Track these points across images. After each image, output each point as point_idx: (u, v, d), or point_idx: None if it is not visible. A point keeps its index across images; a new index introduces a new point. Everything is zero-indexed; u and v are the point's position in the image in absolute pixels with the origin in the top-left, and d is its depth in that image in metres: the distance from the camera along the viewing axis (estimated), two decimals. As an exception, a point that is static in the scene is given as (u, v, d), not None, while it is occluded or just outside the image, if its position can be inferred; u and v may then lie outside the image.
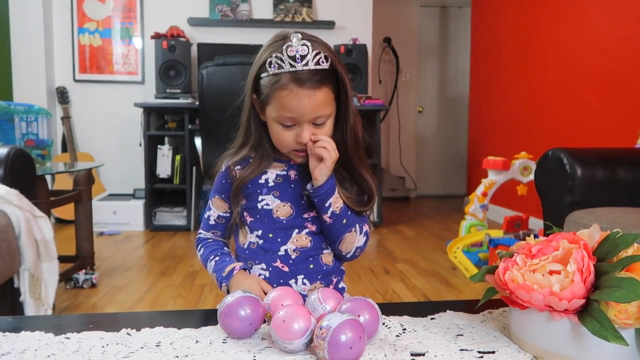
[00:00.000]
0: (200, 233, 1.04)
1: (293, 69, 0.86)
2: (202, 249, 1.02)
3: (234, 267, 0.94)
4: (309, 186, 0.93)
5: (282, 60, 0.87)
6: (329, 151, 0.90)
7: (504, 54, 4.34)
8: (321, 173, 0.91)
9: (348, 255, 0.98)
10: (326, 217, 0.94)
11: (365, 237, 0.99)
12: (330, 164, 0.90)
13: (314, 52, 0.87)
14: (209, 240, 1.03)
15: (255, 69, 0.92)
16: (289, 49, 0.86)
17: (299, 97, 0.87)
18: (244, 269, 0.96)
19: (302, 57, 0.86)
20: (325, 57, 0.88)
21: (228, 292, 0.92)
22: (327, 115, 0.91)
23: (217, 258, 0.98)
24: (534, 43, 3.86)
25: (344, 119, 0.94)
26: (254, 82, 0.93)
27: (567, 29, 3.46)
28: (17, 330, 0.76)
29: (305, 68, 0.86)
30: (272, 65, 0.88)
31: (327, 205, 0.93)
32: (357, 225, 0.97)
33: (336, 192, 0.94)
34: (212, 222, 1.02)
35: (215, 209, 1.01)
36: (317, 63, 0.87)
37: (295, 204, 0.96)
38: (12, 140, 2.40)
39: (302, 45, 0.86)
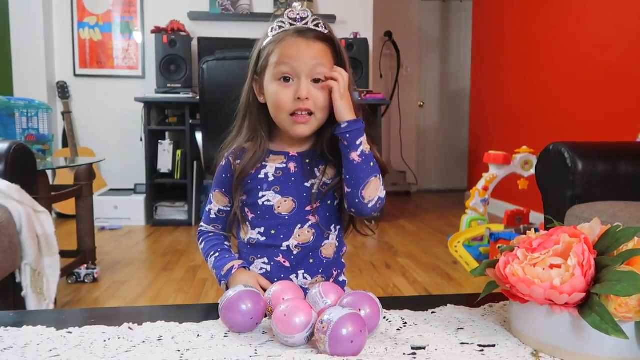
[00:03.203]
0: (201, 226, 1.04)
1: (293, 26, 0.91)
2: (203, 243, 1.02)
3: (233, 265, 0.94)
4: (343, 124, 0.88)
5: (283, 22, 0.93)
6: (337, 81, 0.89)
7: (505, 48, 4.33)
8: (340, 105, 0.88)
9: (370, 205, 0.91)
10: (355, 156, 0.88)
11: (385, 192, 0.94)
12: (342, 89, 0.88)
13: (313, 17, 0.92)
14: (210, 235, 1.02)
15: (259, 44, 0.95)
16: (290, 13, 0.92)
17: (298, 44, 0.90)
18: (244, 267, 0.95)
19: (302, 19, 0.92)
20: (324, 27, 0.93)
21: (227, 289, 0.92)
22: (326, 71, 0.91)
23: (216, 254, 0.98)
24: (535, 37, 3.84)
25: None
26: (256, 60, 0.95)
27: (568, 22, 3.45)
28: (19, 325, 0.76)
29: (305, 27, 0.91)
30: (273, 30, 0.93)
31: (358, 142, 0.89)
32: (380, 175, 0.93)
33: (364, 134, 0.90)
34: (212, 215, 1.02)
35: (216, 203, 1.01)
36: (316, 26, 0.92)
37: (297, 198, 0.95)
38: (13, 135, 2.40)
39: (303, 10, 0.92)
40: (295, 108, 0.90)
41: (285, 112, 0.91)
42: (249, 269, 0.96)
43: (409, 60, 5.69)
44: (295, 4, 0.92)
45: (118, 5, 4.19)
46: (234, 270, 0.93)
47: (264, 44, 0.94)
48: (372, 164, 0.91)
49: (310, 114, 0.91)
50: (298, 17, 0.91)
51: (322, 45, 0.91)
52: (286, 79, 0.90)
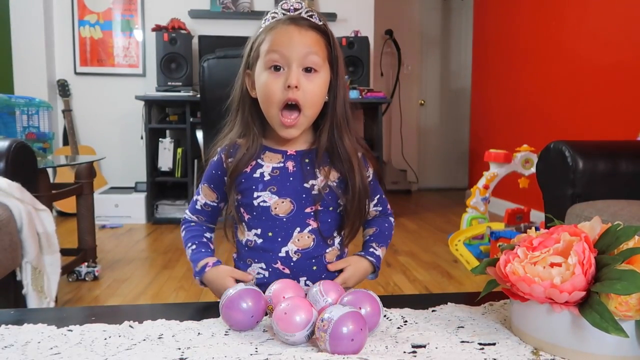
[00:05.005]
0: (185, 214, 1.02)
1: (285, 16, 0.90)
2: (184, 232, 1.00)
3: (207, 262, 0.92)
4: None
5: (276, 13, 0.91)
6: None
7: (506, 47, 4.32)
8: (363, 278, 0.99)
9: None
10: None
11: (392, 218, 1.06)
12: (356, 279, 0.98)
13: (307, 9, 0.90)
14: (192, 224, 1.00)
15: (252, 37, 0.94)
16: (283, 4, 0.91)
17: (290, 31, 0.88)
18: (217, 264, 0.93)
19: (295, 10, 0.90)
20: (319, 18, 0.91)
21: (202, 284, 0.94)
22: (318, 61, 0.88)
23: (193, 247, 0.96)
24: (536, 35, 3.84)
25: (334, 89, 0.93)
26: (248, 53, 0.94)
27: (569, 21, 3.44)
28: (20, 323, 0.76)
29: (298, 15, 0.90)
30: (266, 21, 0.92)
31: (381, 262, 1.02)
32: (391, 231, 1.04)
33: (379, 252, 1.00)
34: (198, 207, 0.99)
35: (203, 196, 0.98)
36: (310, 17, 0.90)
37: (295, 198, 0.91)
38: (14, 133, 2.40)
39: (297, 2, 0.91)
40: (285, 98, 0.87)
41: (275, 106, 0.88)
42: (223, 264, 0.94)
43: (410, 59, 5.69)
44: None
45: (118, 3, 4.18)
46: (207, 268, 0.92)
47: (256, 34, 0.93)
48: (388, 241, 1.04)
49: (299, 110, 0.88)
50: (291, 8, 0.89)
51: (314, 33, 0.89)
52: (277, 68, 0.87)
